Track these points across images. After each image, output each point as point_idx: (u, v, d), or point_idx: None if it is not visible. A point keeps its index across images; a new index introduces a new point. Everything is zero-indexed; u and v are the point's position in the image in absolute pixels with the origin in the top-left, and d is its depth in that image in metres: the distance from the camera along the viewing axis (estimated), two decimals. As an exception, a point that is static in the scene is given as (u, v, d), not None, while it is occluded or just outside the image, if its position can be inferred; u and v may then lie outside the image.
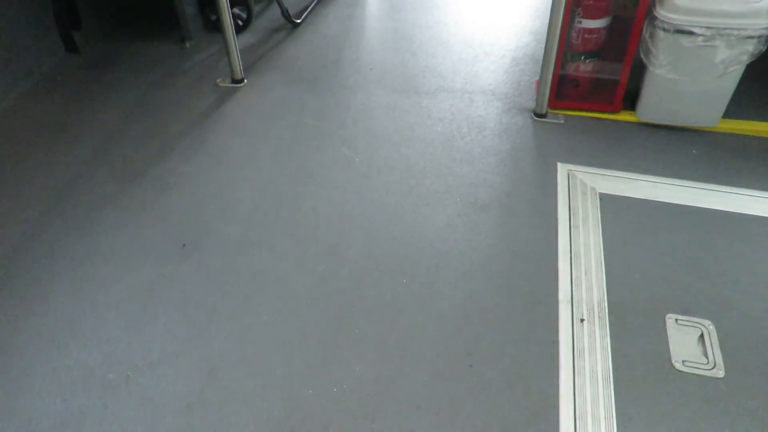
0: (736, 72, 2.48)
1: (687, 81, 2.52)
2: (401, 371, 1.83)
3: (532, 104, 2.94)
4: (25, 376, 1.85)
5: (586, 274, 2.09)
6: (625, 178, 2.48)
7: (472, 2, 4.00)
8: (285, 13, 3.66)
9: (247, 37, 3.66)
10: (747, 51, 2.38)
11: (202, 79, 3.26)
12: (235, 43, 3.06)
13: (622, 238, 2.22)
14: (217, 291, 2.09)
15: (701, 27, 2.36)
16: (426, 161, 2.63)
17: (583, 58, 2.74)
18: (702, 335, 1.88)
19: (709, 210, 2.32)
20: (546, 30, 2.59)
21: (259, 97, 3.11)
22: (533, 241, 2.23)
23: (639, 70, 2.71)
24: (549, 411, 1.71)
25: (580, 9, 2.58)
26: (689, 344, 1.86)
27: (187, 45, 3.56)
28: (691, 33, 2.38)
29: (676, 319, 1.93)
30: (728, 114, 2.66)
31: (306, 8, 3.90)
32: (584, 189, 2.43)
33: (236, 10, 3.62)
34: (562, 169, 2.54)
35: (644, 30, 2.53)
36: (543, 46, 2.66)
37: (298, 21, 3.77)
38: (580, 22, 2.62)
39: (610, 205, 2.36)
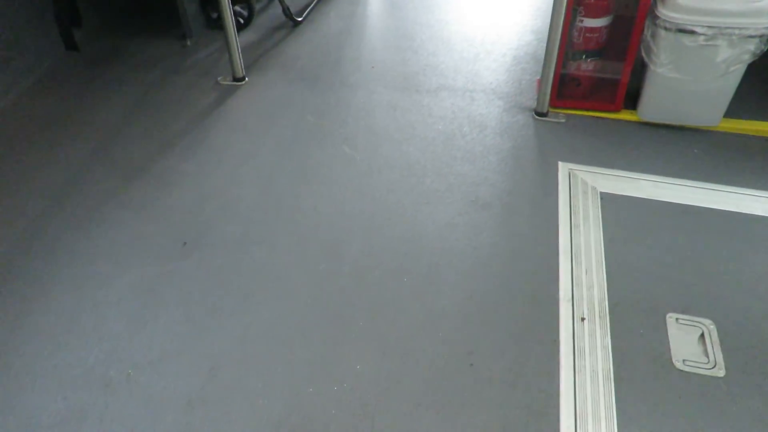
0: (738, 71, 2.48)
1: (688, 80, 2.52)
2: (402, 370, 1.83)
3: (533, 103, 2.94)
4: (25, 373, 1.85)
5: (586, 273, 2.09)
6: (626, 178, 2.48)
7: (473, 1, 4.00)
8: (286, 11, 3.65)
9: (249, 35, 3.66)
10: (748, 50, 2.37)
11: (203, 77, 3.26)
12: (236, 40, 3.06)
13: (623, 237, 2.22)
14: (217, 289, 2.09)
15: (703, 26, 2.36)
16: (427, 160, 2.63)
17: (584, 57, 2.73)
18: (702, 334, 1.88)
19: (710, 209, 2.32)
20: (547, 29, 2.59)
21: (260, 95, 3.11)
22: (534, 239, 2.23)
23: (640, 70, 2.71)
24: (549, 410, 1.71)
25: (581, 8, 2.58)
26: (690, 343, 1.86)
27: (188, 43, 3.56)
28: (692, 32, 2.38)
29: (677, 318, 1.93)
30: (730, 113, 2.66)
31: (307, 6, 3.90)
32: (585, 188, 2.43)
33: (237, 8, 3.61)
34: (563, 168, 2.54)
35: (646, 29, 2.53)
36: (544, 44, 2.66)
37: (300, 19, 3.77)
38: (582, 21, 2.62)
39: (610, 204, 2.36)
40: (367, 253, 2.20)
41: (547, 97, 2.80)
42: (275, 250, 2.23)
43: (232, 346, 1.91)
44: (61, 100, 3.10)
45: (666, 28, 2.41)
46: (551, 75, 2.71)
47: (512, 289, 2.06)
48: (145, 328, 1.97)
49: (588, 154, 2.61)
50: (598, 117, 2.84)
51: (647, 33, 2.53)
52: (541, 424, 1.68)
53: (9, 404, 1.77)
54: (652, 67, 2.55)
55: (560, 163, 2.56)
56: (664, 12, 2.40)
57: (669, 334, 1.89)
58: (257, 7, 3.87)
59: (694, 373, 1.78)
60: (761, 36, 2.34)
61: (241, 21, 3.68)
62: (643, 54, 2.57)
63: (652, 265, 2.11)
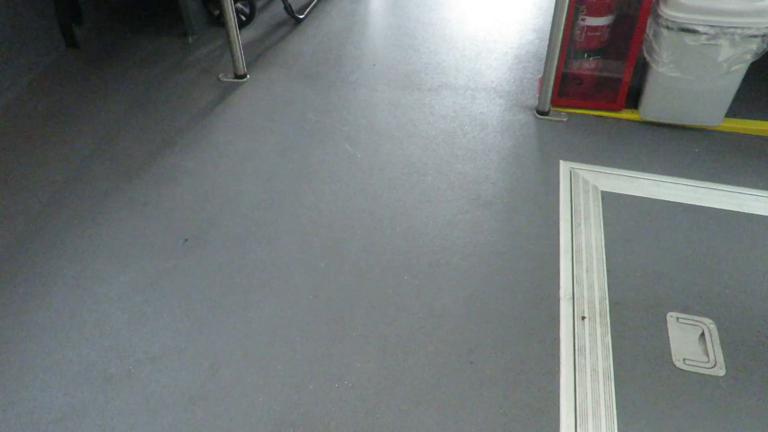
0: (740, 71, 2.48)
1: (690, 79, 2.52)
2: (402, 367, 1.83)
3: (534, 102, 2.94)
4: (26, 369, 1.86)
5: (587, 271, 2.09)
6: (627, 177, 2.48)
7: (475, -1, 4.01)
8: (288, 8, 3.65)
9: (250, 33, 3.65)
10: (750, 50, 2.37)
11: (204, 74, 3.26)
12: (238, 38, 3.06)
13: (624, 236, 2.22)
14: (218, 286, 2.10)
15: (705, 25, 2.36)
16: (428, 158, 2.63)
17: (586, 55, 2.73)
18: (703, 334, 1.88)
19: (711, 209, 2.32)
20: (549, 27, 2.59)
21: (262, 92, 3.11)
22: (535, 238, 2.23)
23: (642, 69, 2.71)
24: (550, 408, 1.72)
25: (583, 6, 2.58)
26: (690, 342, 1.86)
27: (190, 40, 3.56)
28: (694, 31, 2.38)
29: (677, 318, 1.93)
30: (731, 113, 2.66)
31: (309, 4, 3.89)
32: (586, 187, 2.43)
33: (239, 5, 3.61)
34: (565, 167, 2.54)
35: (648, 28, 2.53)
36: (546, 43, 2.66)
37: (301, 16, 3.76)
38: (584, 20, 2.62)
39: (612, 203, 2.36)
40: (367, 251, 2.21)
41: (549, 96, 2.80)
42: (276, 247, 2.23)
43: (233, 343, 1.91)
44: (62, 97, 3.10)
45: (668, 27, 2.41)
46: (553, 73, 2.70)
47: (513, 287, 2.06)
48: (146, 324, 1.97)
49: (589, 153, 2.61)
50: (599, 116, 2.84)
51: (649, 32, 2.52)
52: (541, 422, 1.69)
53: (10, 400, 1.78)
54: (653, 66, 2.54)
55: (561, 162, 2.57)
56: (666, 11, 2.40)
57: (669, 333, 1.89)
58: (259, 4, 3.87)
59: (694, 372, 1.78)
60: (763, 36, 2.34)
61: (243, 18, 3.68)
62: (645, 53, 2.57)
63: (652, 264, 2.11)
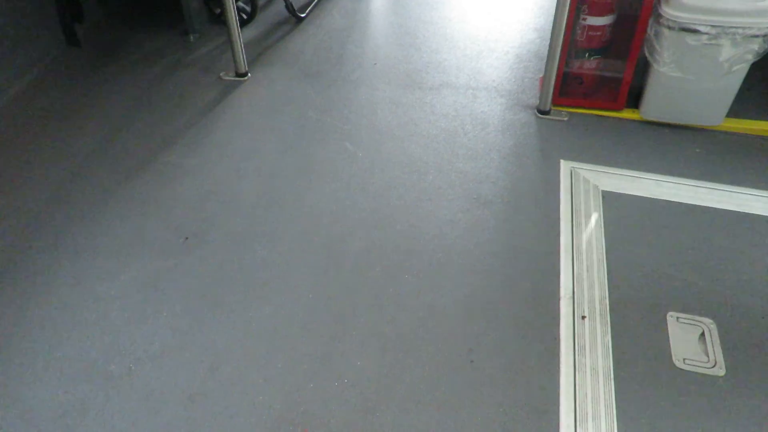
0: (741, 71, 2.47)
1: (691, 79, 2.52)
2: (402, 366, 1.83)
3: (535, 101, 2.94)
4: (27, 367, 1.86)
5: (587, 271, 2.09)
6: (627, 176, 2.48)
7: (476, -2, 4.00)
8: (289, 7, 3.65)
9: (252, 31, 3.66)
10: (752, 50, 2.37)
11: (205, 72, 3.26)
12: (239, 36, 3.06)
13: (624, 236, 2.22)
14: (219, 284, 2.10)
15: (706, 25, 2.36)
16: (429, 157, 2.63)
17: (587, 55, 2.73)
18: (703, 333, 1.88)
19: (712, 209, 2.32)
20: (550, 27, 2.59)
21: (263, 90, 3.11)
22: (535, 237, 2.23)
23: (643, 68, 2.71)
24: (549, 407, 1.72)
25: (585, 6, 2.58)
26: (690, 342, 1.86)
27: (191, 38, 3.56)
28: (696, 31, 2.38)
29: (677, 317, 1.93)
30: (732, 113, 2.66)
31: (310, 2, 3.89)
32: (587, 186, 2.43)
33: (241, 4, 3.61)
34: (565, 167, 2.54)
35: (649, 28, 2.53)
36: (547, 43, 2.66)
37: (303, 15, 3.76)
38: (585, 19, 2.62)
39: (612, 202, 2.36)
40: (368, 250, 2.21)
41: (550, 95, 2.80)
42: (277, 245, 2.24)
43: (233, 342, 1.91)
44: (63, 95, 3.10)
45: (669, 27, 2.41)
46: (554, 73, 2.70)
47: (513, 286, 2.06)
48: (146, 322, 1.98)
49: (590, 153, 2.61)
50: (600, 115, 2.84)
51: (650, 32, 2.52)
52: (541, 421, 1.69)
53: (10, 397, 1.78)
54: (655, 65, 2.54)
55: (562, 161, 2.56)
56: (667, 11, 2.40)
57: (669, 332, 1.89)
58: (260, 2, 3.87)
59: (694, 372, 1.78)
60: (764, 36, 2.33)
61: (244, 17, 3.68)
62: (646, 53, 2.56)
63: (653, 264, 2.11)
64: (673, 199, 2.36)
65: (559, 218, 2.30)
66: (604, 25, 2.62)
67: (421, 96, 3.03)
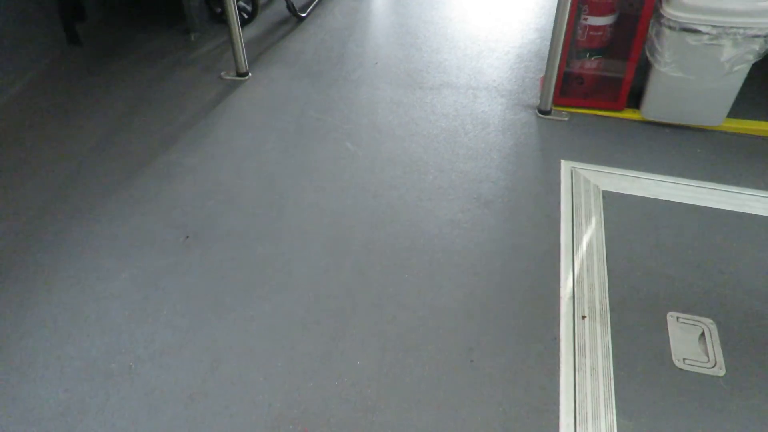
0: (742, 71, 2.47)
1: (692, 79, 2.52)
2: (402, 365, 1.83)
3: (536, 101, 2.94)
4: (27, 365, 1.86)
5: (588, 271, 2.09)
6: (628, 176, 2.48)
7: (477, -2, 4.00)
8: (290, 6, 3.65)
9: (252, 30, 3.66)
10: (753, 50, 2.37)
11: (206, 72, 3.26)
12: (240, 35, 3.06)
13: (625, 236, 2.22)
14: (219, 283, 2.10)
15: (707, 25, 2.36)
16: (429, 156, 2.63)
17: (588, 55, 2.73)
18: (703, 333, 1.88)
19: (712, 209, 2.32)
20: (551, 27, 2.59)
21: (264, 90, 3.11)
22: (536, 237, 2.23)
23: (644, 68, 2.71)
24: (549, 407, 1.72)
25: (586, 6, 2.58)
26: (690, 342, 1.86)
27: (192, 37, 3.56)
28: (697, 31, 2.38)
29: (678, 317, 1.93)
30: (733, 113, 2.66)
31: (311, 2, 3.89)
32: (587, 186, 2.43)
33: (241, 3, 3.62)
34: (566, 167, 2.54)
35: (650, 28, 2.53)
36: (548, 42, 2.66)
37: (304, 15, 3.76)
38: (586, 19, 2.62)
39: (613, 202, 2.36)
40: (368, 249, 2.21)
41: (551, 95, 2.80)
42: (277, 244, 2.24)
43: (234, 340, 1.91)
44: (64, 94, 3.10)
45: (670, 27, 2.41)
46: (555, 73, 2.70)
47: (513, 286, 2.06)
48: (146, 321, 1.98)
49: (590, 153, 2.61)
50: (601, 115, 2.84)
51: (652, 32, 2.52)
52: (541, 421, 1.69)
53: (11, 395, 1.78)
54: (656, 66, 2.54)
55: (563, 161, 2.57)
56: (668, 11, 2.40)
57: (669, 332, 1.89)
58: (261, 2, 3.87)
59: (694, 372, 1.78)
60: (766, 36, 2.33)
61: (245, 16, 3.69)
62: (647, 53, 2.56)
63: (653, 264, 2.11)
64: (673, 200, 2.36)
65: (559, 218, 2.30)
66: (605, 25, 2.62)
67: (422, 96, 3.03)
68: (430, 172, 2.54)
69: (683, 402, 1.71)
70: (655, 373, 1.79)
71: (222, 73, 3.23)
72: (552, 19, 2.57)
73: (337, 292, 2.06)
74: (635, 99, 2.81)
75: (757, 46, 2.36)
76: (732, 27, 2.33)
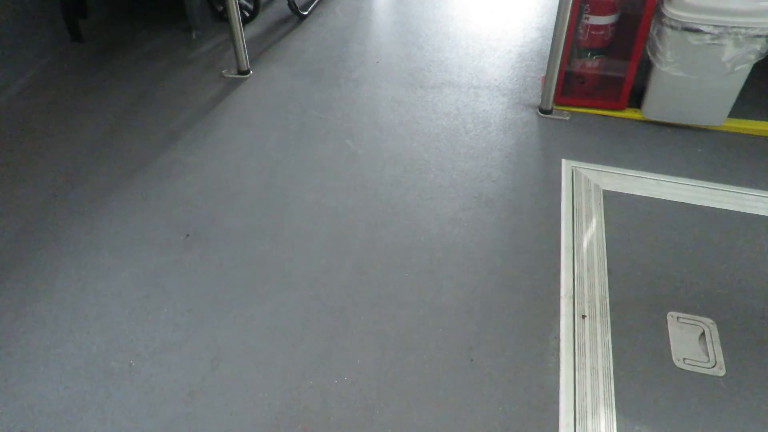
0: (743, 71, 2.47)
1: (694, 79, 2.51)
2: (403, 364, 1.83)
3: (537, 100, 2.94)
4: (27, 362, 1.86)
5: (588, 270, 2.09)
6: (629, 176, 2.48)
7: (479, -3, 4.00)
8: (292, 5, 3.65)
9: (254, 29, 3.66)
10: (755, 50, 2.37)
11: (208, 70, 3.26)
12: (241, 34, 3.06)
13: (625, 235, 2.22)
14: (220, 281, 2.10)
15: (709, 25, 2.35)
16: (431, 155, 2.63)
17: (589, 54, 2.73)
18: (703, 333, 1.88)
19: (713, 209, 2.32)
20: (553, 26, 2.59)
21: (265, 88, 3.11)
22: (536, 236, 2.23)
23: (645, 68, 2.70)
24: (549, 406, 1.72)
25: (587, 5, 2.57)
26: (690, 342, 1.86)
27: (194, 35, 3.56)
28: (698, 31, 2.37)
29: (678, 317, 1.93)
30: (734, 113, 2.66)
31: (313, 1, 3.89)
32: (588, 186, 2.43)
33: (243, 1, 3.61)
34: (567, 166, 2.54)
35: (652, 27, 2.52)
36: (550, 42, 2.66)
37: (305, 13, 3.76)
38: (588, 19, 2.61)
39: (613, 202, 2.36)
40: (369, 248, 2.21)
41: (552, 95, 2.80)
42: (278, 243, 2.24)
43: (234, 338, 1.92)
44: (65, 91, 3.10)
45: (672, 27, 2.41)
46: (556, 72, 2.70)
47: (514, 285, 2.06)
48: (146, 319, 1.98)
49: (591, 152, 2.61)
50: (602, 115, 2.83)
51: (653, 31, 2.52)
52: (540, 420, 1.69)
53: (11, 393, 1.78)
54: (657, 65, 2.54)
55: (563, 161, 2.56)
56: (670, 10, 2.39)
57: (669, 332, 1.89)
58: (263, 0, 3.87)
59: (694, 372, 1.78)
60: (767, 36, 2.33)
61: (247, 14, 3.68)
62: (649, 52, 2.56)
63: (653, 264, 2.11)
64: (674, 199, 2.36)
65: (560, 217, 2.30)
66: (606, 25, 2.62)
67: (423, 94, 3.03)
68: (431, 171, 2.54)
69: (683, 402, 1.71)
70: (655, 372, 1.79)
71: (223, 72, 3.23)
72: (554, 18, 2.57)
73: (338, 291, 2.06)
74: (636, 98, 2.80)
75: (758, 46, 2.36)
76: (734, 27, 2.33)
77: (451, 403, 1.73)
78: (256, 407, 1.73)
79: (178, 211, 2.37)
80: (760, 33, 2.33)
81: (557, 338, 1.89)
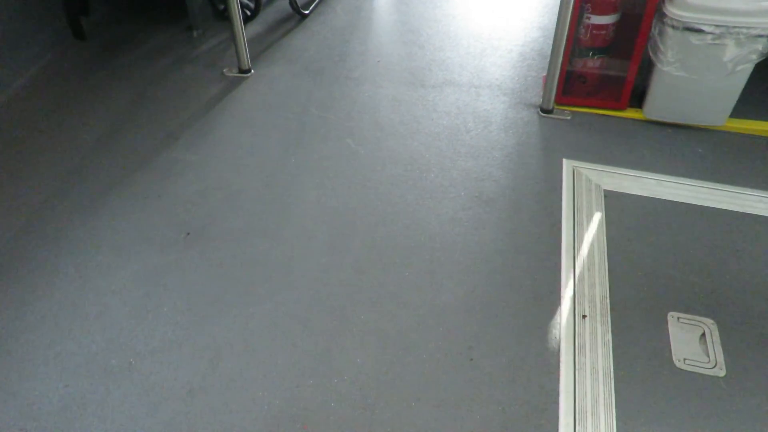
0: (745, 71, 2.47)
1: (695, 79, 2.51)
2: (402, 363, 1.83)
3: (538, 100, 2.94)
4: (27, 360, 1.87)
5: (588, 270, 2.09)
6: (630, 176, 2.47)
7: (480, -4, 4.00)
8: (293, 3, 3.65)
9: (255, 27, 3.65)
10: (756, 50, 2.36)
11: (209, 68, 3.26)
12: (242, 32, 3.06)
13: (626, 235, 2.21)
14: (220, 280, 2.10)
15: (710, 25, 2.35)
16: (431, 154, 2.62)
17: (591, 54, 2.72)
18: (703, 334, 1.88)
19: (714, 209, 2.32)
20: (554, 25, 2.58)
21: (266, 87, 3.11)
22: (537, 236, 2.23)
23: (647, 68, 2.70)
24: (549, 406, 1.72)
25: (589, 5, 2.57)
26: (690, 342, 1.86)
27: (195, 34, 3.56)
28: (700, 31, 2.37)
29: (678, 317, 1.93)
30: (735, 113, 2.65)
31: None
32: (589, 185, 2.43)
33: (244, 0, 3.61)
34: (568, 166, 2.53)
35: (653, 27, 2.52)
36: (551, 41, 2.65)
37: (306, 12, 3.76)
38: (589, 18, 2.61)
39: (614, 202, 2.35)
40: (369, 247, 2.21)
41: (553, 94, 2.80)
42: (278, 242, 2.24)
43: (234, 337, 1.92)
44: (67, 88, 3.10)
45: (673, 27, 2.40)
46: (557, 72, 2.70)
47: (514, 285, 2.06)
48: (147, 317, 1.98)
49: (592, 152, 2.61)
50: (603, 115, 2.83)
51: (654, 31, 2.52)
52: (540, 420, 1.69)
53: (11, 391, 1.79)
54: (658, 65, 2.54)
55: (564, 160, 2.56)
56: (671, 10, 2.39)
57: (670, 332, 1.89)
58: (264, -1, 3.88)
59: (695, 372, 1.78)
60: (769, 36, 2.33)
61: (248, 13, 3.68)
62: (650, 52, 2.56)
63: (654, 264, 2.11)
64: (674, 199, 2.36)
65: (560, 217, 2.30)
66: (607, 24, 2.62)
67: (424, 94, 3.03)
68: (432, 170, 2.54)
69: (683, 402, 1.71)
70: (655, 373, 1.78)
71: (224, 70, 3.23)
72: (555, 17, 2.57)
73: (338, 290, 2.06)
74: (638, 98, 2.80)
75: (760, 46, 2.35)
76: (735, 27, 2.33)
77: (450, 403, 1.73)
78: (255, 406, 1.73)
79: (179, 210, 2.37)
80: (762, 33, 2.32)
81: (557, 338, 1.88)
